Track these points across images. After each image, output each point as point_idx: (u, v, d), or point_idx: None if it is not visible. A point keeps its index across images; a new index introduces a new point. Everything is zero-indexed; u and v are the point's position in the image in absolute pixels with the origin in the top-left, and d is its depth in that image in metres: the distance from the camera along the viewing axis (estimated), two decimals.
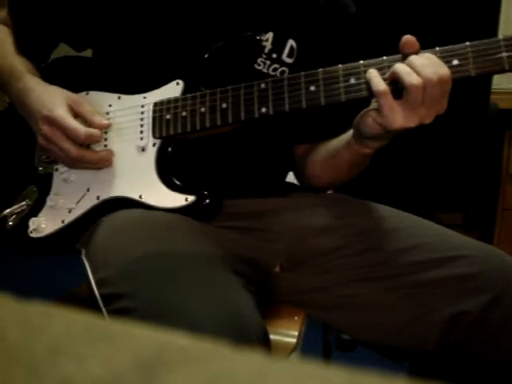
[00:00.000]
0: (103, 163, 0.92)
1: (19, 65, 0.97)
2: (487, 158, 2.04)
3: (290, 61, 0.96)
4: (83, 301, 0.78)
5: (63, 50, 1.05)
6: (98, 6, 0.96)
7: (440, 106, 0.77)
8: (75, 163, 0.91)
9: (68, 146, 0.88)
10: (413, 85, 0.74)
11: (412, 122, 0.77)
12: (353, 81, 0.80)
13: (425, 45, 0.78)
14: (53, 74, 1.00)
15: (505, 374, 0.79)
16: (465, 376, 0.80)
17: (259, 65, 0.95)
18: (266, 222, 0.94)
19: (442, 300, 0.81)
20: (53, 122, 0.88)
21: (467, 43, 0.77)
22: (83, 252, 0.86)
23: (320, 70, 0.81)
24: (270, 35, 0.95)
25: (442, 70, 0.76)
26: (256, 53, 0.94)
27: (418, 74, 0.75)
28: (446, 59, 0.77)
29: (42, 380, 0.21)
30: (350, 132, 0.90)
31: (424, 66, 0.75)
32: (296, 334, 0.89)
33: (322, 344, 1.36)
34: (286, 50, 0.96)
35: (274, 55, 0.96)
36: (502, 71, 0.76)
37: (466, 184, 1.87)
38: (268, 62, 0.95)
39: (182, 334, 0.24)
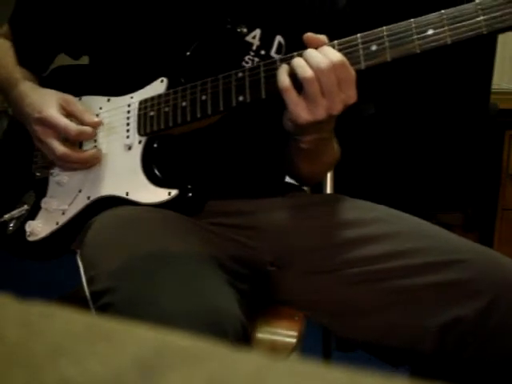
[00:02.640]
0: (90, 163, 0.94)
1: (16, 73, 1.01)
2: (487, 157, 2.04)
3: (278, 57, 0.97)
4: (83, 301, 0.79)
5: (61, 59, 1.10)
6: (91, 14, 0.98)
7: (345, 94, 0.75)
8: (62, 162, 0.93)
9: (55, 143, 0.90)
10: (305, 77, 0.74)
11: (317, 115, 0.75)
12: None
13: None
14: (52, 83, 1.03)
15: (502, 378, 0.78)
16: (463, 378, 0.80)
17: (247, 62, 0.95)
18: (253, 221, 0.94)
19: (435, 306, 0.80)
20: (44, 122, 0.90)
21: (442, 11, 0.73)
22: (78, 253, 0.87)
23: (295, 53, 0.80)
24: (257, 32, 0.95)
25: (334, 57, 0.75)
26: (243, 50, 0.94)
27: (310, 66, 0.75)
28: (421, 29, 0.74)
29: (42, 380, 0.21)
30: None
31: (314, 57, 0.75)
32: (296, 334, 0.89)
33: (322, 344, 1.36)
34: (275, 47, 0.96)
35: (263, 52, 0.95)
36: (480, 36, 0.72)
37: (466, 184, 1.87)
38: (256, 59, 0.95)
39: (181, 334, 0.24)
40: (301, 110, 0.75)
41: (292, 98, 0.76)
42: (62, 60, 1.09)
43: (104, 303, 0.72)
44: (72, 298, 0.97)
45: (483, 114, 1.79)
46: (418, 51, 0.74)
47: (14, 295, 0.27)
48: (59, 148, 0.90)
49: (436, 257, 0.82)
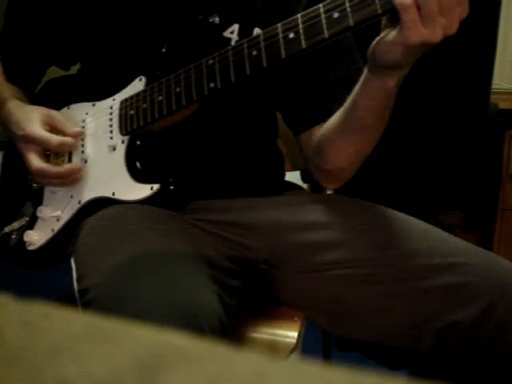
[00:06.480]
0: (70, 178, 0.95)
1: (3, 92, 1.03)
2: (487, 157, 2.04)
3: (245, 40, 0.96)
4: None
5: (53, 71, 1.13)
6: (73, 24, 1.00)
7: (461, 9, 0.70)
8: (39, 177, 0.94)
9: (32, 158, 0.92)
10: None
11: (435, 35, 0.70)
12: (292, 35, 0.77)
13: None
14: (43, 97, 1.07)
15: (500, 382, 0.78)
16: (461, 380, 0.79)
17: None
18: (245, 218, 0.94)
19: (433, 310, 0.80)
20: (27, 138, 0.92)
21: None
22: (72, 256, 0.88)
23: (260, 32, 0.79)
24: (235, 27, 0.95)
25: None
26: (221, 45, 0.93)
27: None
28: None
29: (42, 380, 0.21)
30: (362, 78, 0.84)
31: None
32: (296, 334, 0.89)
33: (322, 344, 1.36)
34: None
35: None
36: None
37: (466, 184, 1.87)
38: None
39: (181, 334, 0.24)
40: (420, 27, 0.70)
41: (413, 16, 0.70)
42: (58, 72, 1.11)
43: (86, 300, 0.74)
44: (71, 298, 0.97)
45: (483, 114, 1.79)
46: (380, 11, 0.72)
47: (13, 295, 0.27)
48: (35, 162, 0.92)
49: (434, 260, 0.82)
